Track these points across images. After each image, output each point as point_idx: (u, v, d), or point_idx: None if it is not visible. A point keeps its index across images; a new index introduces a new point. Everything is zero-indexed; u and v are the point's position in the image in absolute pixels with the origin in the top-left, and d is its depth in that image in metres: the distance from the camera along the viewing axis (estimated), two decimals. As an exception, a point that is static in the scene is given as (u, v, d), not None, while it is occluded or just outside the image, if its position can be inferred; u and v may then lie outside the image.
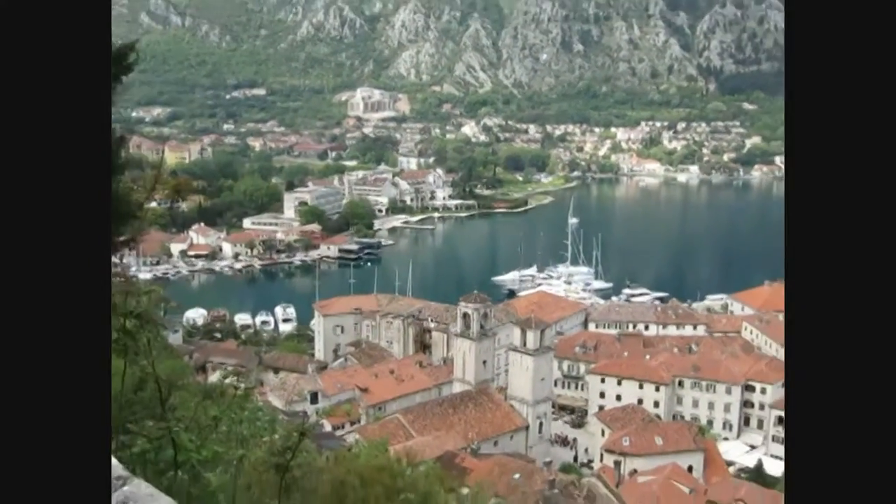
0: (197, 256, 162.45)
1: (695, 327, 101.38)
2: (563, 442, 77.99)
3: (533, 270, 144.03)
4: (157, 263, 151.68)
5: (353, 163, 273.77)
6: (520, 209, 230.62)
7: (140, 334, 6.54)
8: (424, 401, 69.97)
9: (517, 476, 50.87)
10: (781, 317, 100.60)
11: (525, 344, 70.65)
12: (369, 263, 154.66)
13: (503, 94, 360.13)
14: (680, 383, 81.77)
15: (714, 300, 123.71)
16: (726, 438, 78.53)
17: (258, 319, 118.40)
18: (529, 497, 44.49)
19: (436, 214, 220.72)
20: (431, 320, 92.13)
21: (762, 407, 78.90)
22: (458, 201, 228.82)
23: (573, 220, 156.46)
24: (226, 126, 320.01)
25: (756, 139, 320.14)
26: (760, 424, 79.06)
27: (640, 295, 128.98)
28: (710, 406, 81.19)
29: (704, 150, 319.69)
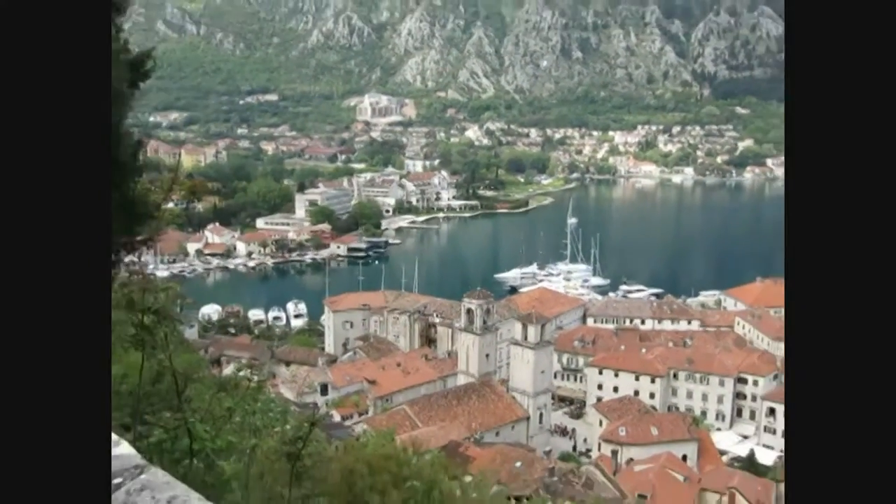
0: (212, 255, 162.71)
1: (689, 322, 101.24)
2: (563, 432, 77.98)
3: (534, 268, 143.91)
4: (174, 262, 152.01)
5: (361, 165, 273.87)
6: (521, 209, 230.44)
7: (157, 329, 6.54)
8: (430, 392, 70.05)
9: (518, 464, 50.88)
10: (773, 312, 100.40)
11: (526, 338, 70.69)
12: (377, 261, 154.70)
13: (505, 99, 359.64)
14: (675, 376, 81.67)
15: (707, 296, 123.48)
16: (719, 429, 78.44)
17: (271, 315, 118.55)
18: (530, 484, 44.48)
19: (441, 215, 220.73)
20: (436, 315, 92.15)
21: (754, 399, 78.77)
22: (462, 202, 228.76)
23: (572, 220, 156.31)
24: (240, 130, 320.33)
25: (748, 142, 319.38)
26: (752, 415, 78.94)
27: (637, 291, 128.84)
28: (704, 397, 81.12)
29: (699, 153, 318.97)
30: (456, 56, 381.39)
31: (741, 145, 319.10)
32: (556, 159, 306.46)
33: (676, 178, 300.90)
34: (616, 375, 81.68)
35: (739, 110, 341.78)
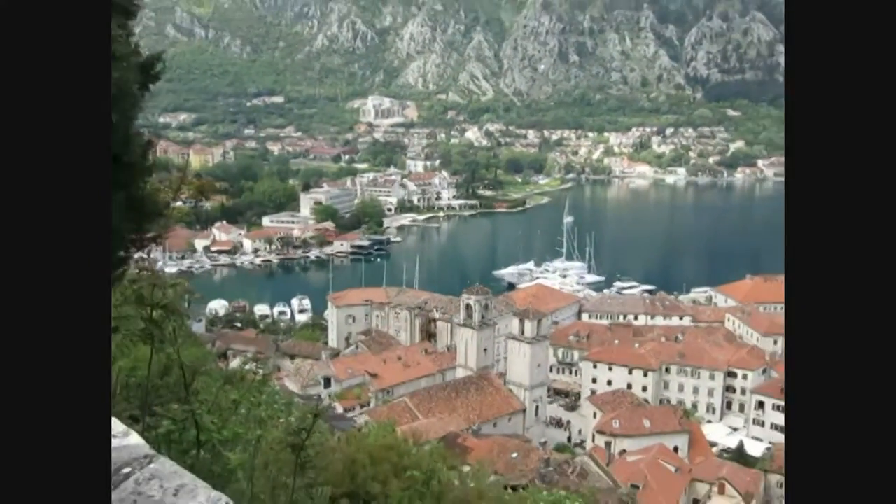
0: (219, 252, 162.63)
1: (681, 318, 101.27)
2: (558, 424, 78.04)
3: (531, 265, 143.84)
4: (183, 258, 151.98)
5: (364, 165, 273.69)
6: (519, 208, 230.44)
7: (166, 324, 6.54)
8: (429, 385, 70.07)
9: (515, 455, 50.93)
10: (762, 308, 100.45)
11: (523, 333, 70.71)
12: (379, 258, 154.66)
13: (504, 101, 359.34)
14: (667, 369, 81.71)
15: (699, 293, 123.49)
16: (710, 421, 78.46)
17: (276, 310, 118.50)
18: (526, 474, 44.51)
19: (441, 213, 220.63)
20: (436, 311, 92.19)
21: (743, 392, 78.79)
22: (462, 201, 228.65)
23: (568, 219, 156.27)
24: (246, 131, 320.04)
25: (739, 143, 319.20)
26: (742, 408, 78.98)
27: (630, 288, 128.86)
28: (695, 391, 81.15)
29: (691, 154, 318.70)
30: (456, 60, 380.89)
31: (732, 146, 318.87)
32: (552, 160, 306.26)
33: (669, 179, 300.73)
34: (610, 369, 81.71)
35: (731, 112, 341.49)
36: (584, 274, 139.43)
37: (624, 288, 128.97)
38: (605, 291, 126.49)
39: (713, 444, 69.78)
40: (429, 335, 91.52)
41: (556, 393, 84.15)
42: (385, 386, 71.93)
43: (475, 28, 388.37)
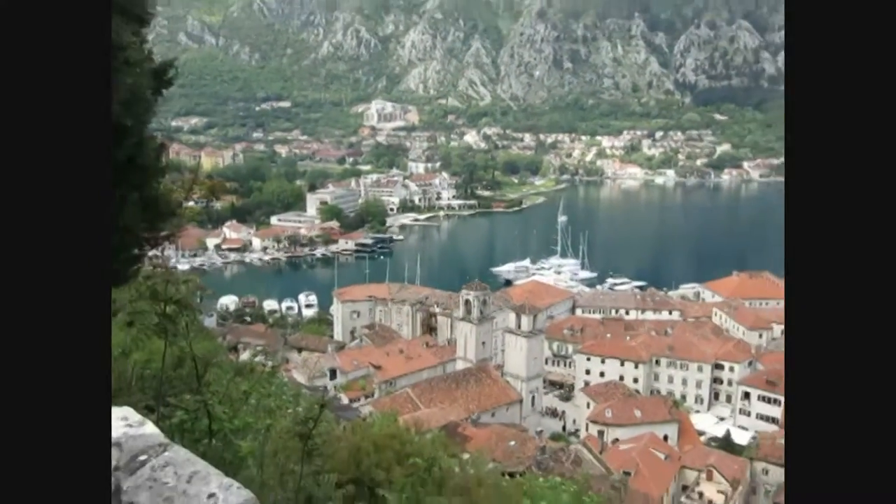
0: (230, 250, 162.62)
1: (670, 312, 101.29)
2: (553, 413, 78.11)
3: (527, 262, 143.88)
4: (195, 256, 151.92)
5: (367, 167, 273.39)
6: (515, 208, 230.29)
7: (179, 318, 6.53)
8: (430, 377, 70.10)
9: (512, 443, 50.97)
10: (748, 304, 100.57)
11: (520, 327, 70.74)
12: (382, 256, 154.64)
13: (501, 106, 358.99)
14: (657, 362, 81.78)
15: (687, 289, 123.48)
16: (698, 411, 78.55)
17: (284, 305, 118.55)
18: (523, 462, 44.53)
19: (441, 213, 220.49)
20: (437, 306, 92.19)
21: (730, 383, 78.86)
22: (461, 201, 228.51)
23: (562, 218, 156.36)
24: (255, 134, 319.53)
25: (726, 146, 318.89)
26: (728, 399, 79.05)
27: (622, 284, 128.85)
28: (684, 382, 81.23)
29: (680, 156, 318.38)
30: (456, 66, 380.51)
31: (719, 149, 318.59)
32: (548, 162, 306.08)
33: (659, 180, 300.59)
34: (602, 361, 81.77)
35: (718, 117, 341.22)
36: (578, 271, 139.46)
37: (616, 284, 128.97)
38: (598, 287, 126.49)
39: (701, 433, 69.89)
40: (430, 329, 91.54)
41: (552, 384, 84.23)
42: (388, 377, 71.97)
43: (474, 36, 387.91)
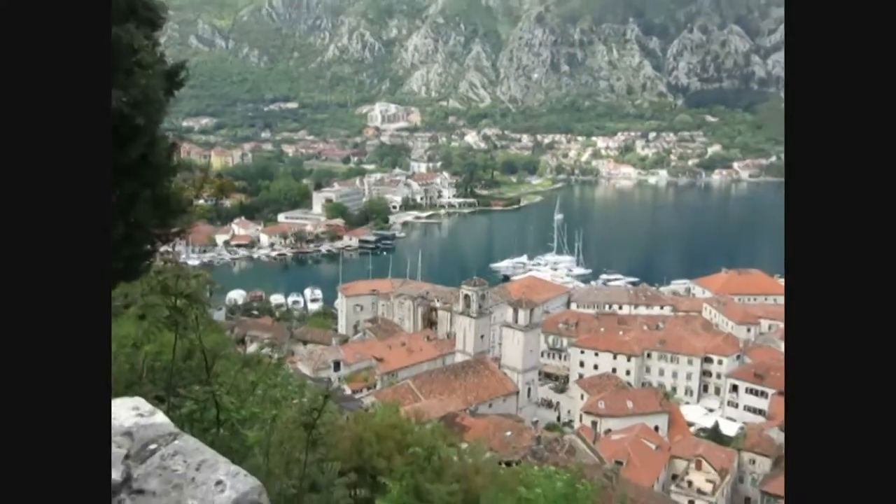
0: (238, 246, 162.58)
1: (661, 308, 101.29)
2: (548, 405, 78.12)
3: (524, 258, 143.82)
4: (205, 251, 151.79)
5: (371, 166, 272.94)
6: (514, 207, 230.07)
7: (189, 312, 6.54)
8: (430, 369, 70.16)
9: (509, 433, 51.02)
10: (736, 299, 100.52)
11: (517, 321, 70.73)
12: (385, 252, 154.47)
13: (500, 108, 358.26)
14: (648, 355, 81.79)
15: (678, 284, 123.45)
16: (688, 403, 78.58)
17: (290, 299, 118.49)
18: (519, 451, 44.58)
19: (442, 211, 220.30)
20: (437, 300, 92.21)
21: (719, 376, 78.90)
22: (461, 200, 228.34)
23: (559, 216, 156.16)
24: (263, 135, 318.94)
25: (717, 147, 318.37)
26: (717, 391, 79.09)
27: (615, 280, 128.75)
28: (674, 375, 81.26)
29: (672, 157, 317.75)
30: (457, 69, 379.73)
31: (710, 150, 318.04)
32: (545, 162, 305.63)
33: (652, 180, 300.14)
34: (596, 355, 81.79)
35: (709, 118, 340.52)
36: (573, 267, 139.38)
37: (609, 280, 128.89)
38: (593, 283, 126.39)
39: (691, 424, 69.96)
40: (430, 323, 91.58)
41: (547, 376, 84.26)
42: (390, 369, 72.04)
43: (474, 40, 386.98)
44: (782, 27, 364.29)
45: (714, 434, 65.97)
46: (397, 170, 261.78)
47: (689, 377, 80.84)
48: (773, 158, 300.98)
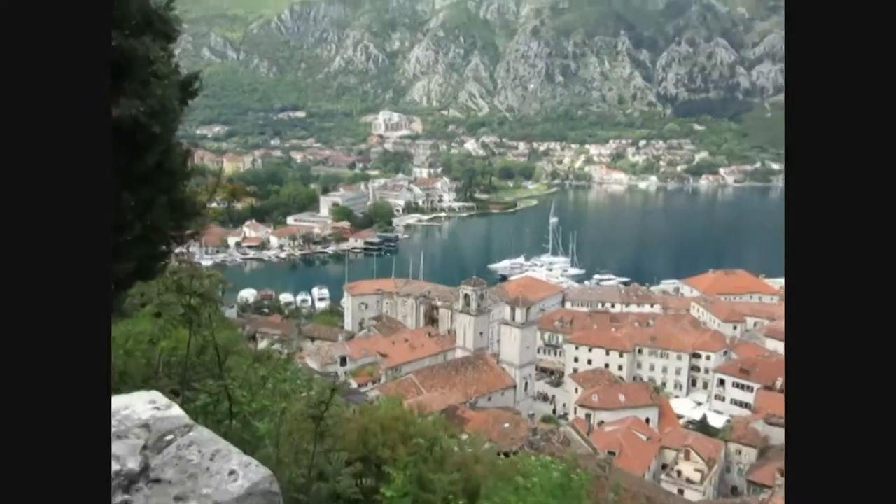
0: (249, 247, 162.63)
1: (652, 306, 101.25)
2: (544, 398, 78.13)
3: (521, 259, 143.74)
4: (217, 252, 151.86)
5: (375, 172, 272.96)
6: (511, 210, 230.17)
7: (202, 309, 6.53)
8: (432, 364, 70.12)
9: (507, 425, 50.97)
10: (723, 298, 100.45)
11: (514, 318, 70.71)
12: (389, 253, 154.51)
13: (498, 116, 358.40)
14: (639, 351, 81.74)
15: (668, 284, 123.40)
16: (677, 396, 78.55)
17: (298, 298, 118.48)
18: (516, 442, 44.49)
19: (443, 214, 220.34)
20: (438, 299, 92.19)
21: (706, 371, 78.84)
22: (461, 203, 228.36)
23: (554, 219, 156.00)
24: (273, 142, 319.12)
25: (704, 154, 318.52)
26: (705, 385, 79.03)
27: (608, 280, 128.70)
28: (664, 370, 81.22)
29: (661, 163, 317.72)
30: (456, 80, 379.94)
31: (697, 156, 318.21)
32: (540, 168, 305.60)
33: (642, 185, 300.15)
34: (590, 350, 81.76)
35: (696, 127, 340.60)
36: (568, 267, 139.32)
37: (602, 280, 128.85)
38: (586, 283, 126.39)
39: (680, 417, 69.92)
40: (432, 320, 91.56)
41: (543, 371, 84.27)
42: (393, 364, 72.02)
43: (473, 52, 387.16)
44: (766, 40, 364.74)
45: (702, 426, 65.92)
46: (400, 175, 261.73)
47: (678, 372, 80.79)
48: (758, 165, 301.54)
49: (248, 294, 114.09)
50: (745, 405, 70.93)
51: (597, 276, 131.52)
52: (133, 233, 5.94)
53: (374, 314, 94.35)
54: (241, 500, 2.37)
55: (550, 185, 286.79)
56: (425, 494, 7.45)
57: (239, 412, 6.14)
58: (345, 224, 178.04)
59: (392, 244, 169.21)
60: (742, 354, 77.37)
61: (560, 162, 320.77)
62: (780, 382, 66.98)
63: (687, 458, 54.54)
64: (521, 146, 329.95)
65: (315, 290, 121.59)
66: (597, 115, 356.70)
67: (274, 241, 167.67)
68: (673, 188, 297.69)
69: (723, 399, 74.90)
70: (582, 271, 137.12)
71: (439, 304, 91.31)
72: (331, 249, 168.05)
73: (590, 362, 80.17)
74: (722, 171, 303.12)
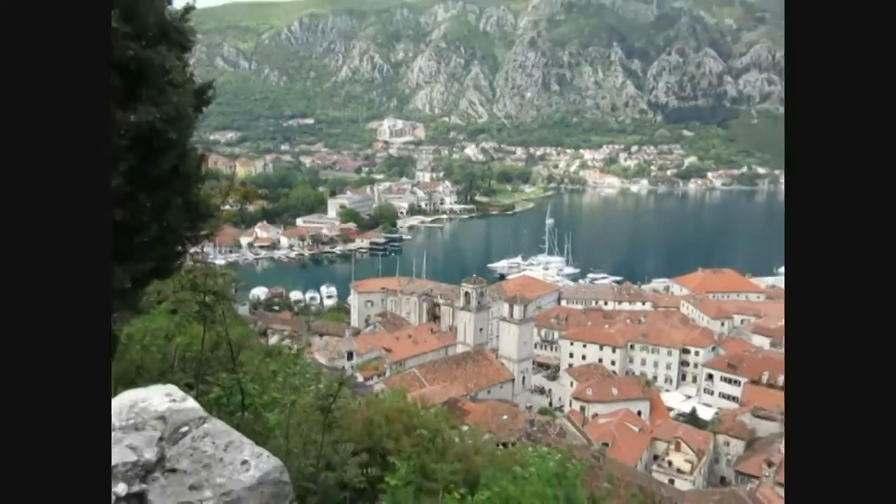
0: (261, 247, 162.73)
1: (643, 303, 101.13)
2: (541, 391, 78.00)
3: (519, 259, 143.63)
4: (230, 252, 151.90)
5: (381, 176, 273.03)
6: (509, 212, 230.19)
7: (216, 307, 6.53)
8: (434, 359, 70.11)
9: (505, 417, 50.92)
10: (711, 296, 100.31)
11: (512, 315, 70.66)
12: (393, 253, 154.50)
13: (497, 123, 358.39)
14: (632, 346, 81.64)
15: (658, 283, 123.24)
16: (667, 390, 78.42)
17: (307, 296, 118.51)
18: (514, 433, 44.46)
19: (444, 216, 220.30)
20: (440, 297, 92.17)
21: (696, 366, 78.73)
22: (462, 206, 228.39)
23: (550, 221, 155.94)
24: (283, 147, 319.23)
25: (693, 158, 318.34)
26: (694, 379, 78.92)
27: (601, 278, 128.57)
28: (655, 364, 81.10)
29: (652, 168, 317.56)
30: (457, 88, 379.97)
31: (687, 161, 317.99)
32: (537, 172, 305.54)
33: (634, 188, 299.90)
34: (584, 346, 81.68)
35: (686, 133, 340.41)
36: (563, 267, 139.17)
37: (596, 279, 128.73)
38: (581, 281, 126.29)
39: (670, 409, 69.81)
40: (434, 317, 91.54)
41: (540, 365, 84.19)
42: (398, 359, 72.00)
43: (473, 62, 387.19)
44: (752, 50, 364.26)
45: (692, 418, 65.81)
46: (404, 179, 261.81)
47: (668, 367, 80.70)
48: (744, 169, 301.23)
49: (259, 292, 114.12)
50: (733, 398, 70.82)
51: (591, 275, 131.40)
52: (150, 234, 5.93)
53: (379, 311, 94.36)
54: (253, 489, 2.36)
55: (547, 189, 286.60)
56: (428, 483, 7.43)
57: (251, 404, 6.14)
58: (351, 225, 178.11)
59: (396, 244, 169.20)
60: (729, 350, 77.25)
61: (556, 166, 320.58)
62: (766, 377, 66.87)
63: (677, 449, 54.46)
64: (519, 151, 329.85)
65: (323, 288, 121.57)
66: (591, 121, 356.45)
67: (284, 241, 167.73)
68: (663, 191, 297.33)
69: (711, 393, 74.80)
70: (577, 270, 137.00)
71: (441, 301, 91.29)
72: (338, 249, 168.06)
73: (584, 357, 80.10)
74: (710, 175, 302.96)
